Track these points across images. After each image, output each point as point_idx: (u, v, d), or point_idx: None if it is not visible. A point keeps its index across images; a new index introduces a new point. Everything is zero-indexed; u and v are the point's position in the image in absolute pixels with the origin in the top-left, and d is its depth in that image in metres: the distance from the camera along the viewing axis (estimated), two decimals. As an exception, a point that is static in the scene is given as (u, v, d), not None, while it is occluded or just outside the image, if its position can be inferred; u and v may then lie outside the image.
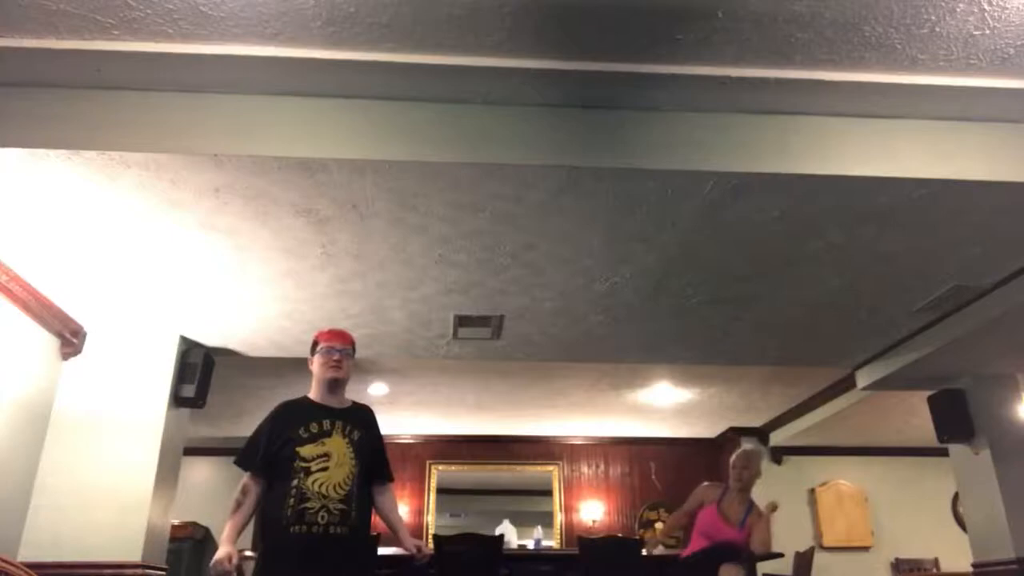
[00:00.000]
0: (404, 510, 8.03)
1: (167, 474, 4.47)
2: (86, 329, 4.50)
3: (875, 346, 5.06)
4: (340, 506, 2.71)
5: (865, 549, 8.05)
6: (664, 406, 7.37)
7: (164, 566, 4.43)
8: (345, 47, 2.79)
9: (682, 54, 2.84)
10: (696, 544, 4.28)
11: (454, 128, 2.96)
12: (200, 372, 4.65)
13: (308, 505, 2.68)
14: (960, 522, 7.80)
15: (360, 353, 5.17)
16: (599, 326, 4.60)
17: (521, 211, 3.28)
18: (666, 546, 4.39)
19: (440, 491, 8.43)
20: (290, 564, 2.64)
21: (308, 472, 2.72)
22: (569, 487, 8.58)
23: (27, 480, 4.12)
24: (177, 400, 4.58)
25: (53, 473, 4.18)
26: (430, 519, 8.29)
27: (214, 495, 7.97)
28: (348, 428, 2.87)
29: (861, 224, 3.39)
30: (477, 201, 3.20)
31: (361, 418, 2.97)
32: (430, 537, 7.09)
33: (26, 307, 3.97)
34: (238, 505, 2.83)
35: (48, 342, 4.29)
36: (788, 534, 7.43)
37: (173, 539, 5.06)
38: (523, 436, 8.54)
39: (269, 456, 2.82)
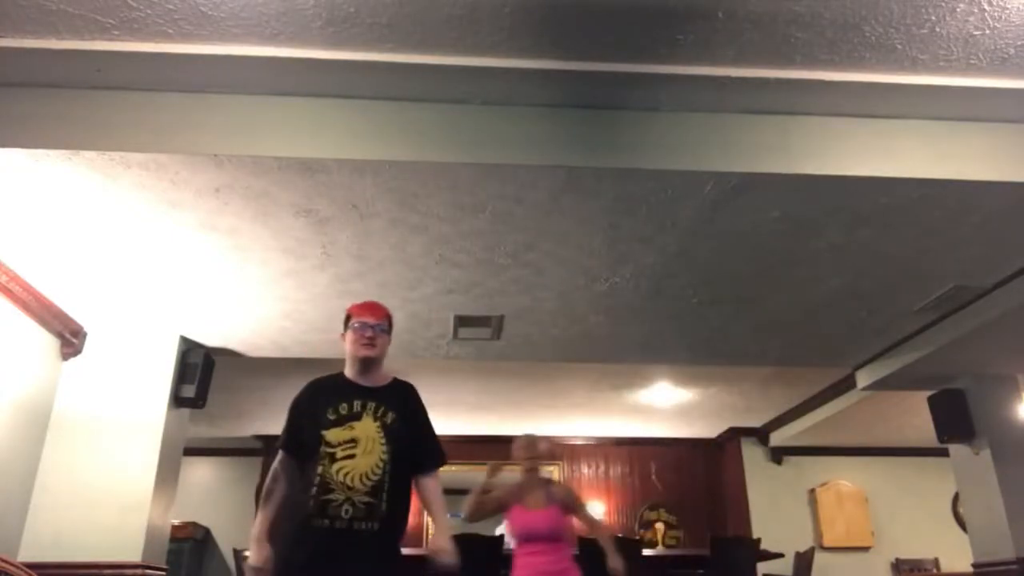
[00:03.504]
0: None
1: (167, 474, 4.46)
2: (86, 329, 4.50)
3: (875, 346, 5.06)
4: (366, 499, 2.40)
5: (865, 549, 8.04)
6: (664, 406, 7.37)
7: (164, 566, 4.43)
8: (345, 47, 2.79)
9: (682, 54, 2.84)
10: (525, 555, 3.77)
11: (454, 128, 2.96)
12: (200, 372, 4.66)
13: (332, 497, 2.40)
14: (960, 522, 7.80)
15: (360, 353, 5.23)
16: (599, 326, 4.60)
17: (521, 211, 3.28)
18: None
19: (440, 491, 8.42)
20: (308, 559, 2.40)
21: (333, 459, 2.44)
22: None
23: (27, 480, 4.12)
24: (177, 400, 4.58)
25: (53, 473, 4.18)
26: (430, 519, 8.26)
27: (214, 495, 7.78)
28: (381, 410, 2.55)
29: (861, 224, 3.39)
30: (477, 201, 3.20)
31: (399, 398, 2.64)
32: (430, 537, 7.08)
33: (26, 307, 3.97)
34: (268, 494, 2.58)
35: (48, 342, 4.29)
36: (788, 534, 7.45)
37: (173, 539, 5.06)
38: (523, 436, 8.55)
39: (299, 437, 2.57)
